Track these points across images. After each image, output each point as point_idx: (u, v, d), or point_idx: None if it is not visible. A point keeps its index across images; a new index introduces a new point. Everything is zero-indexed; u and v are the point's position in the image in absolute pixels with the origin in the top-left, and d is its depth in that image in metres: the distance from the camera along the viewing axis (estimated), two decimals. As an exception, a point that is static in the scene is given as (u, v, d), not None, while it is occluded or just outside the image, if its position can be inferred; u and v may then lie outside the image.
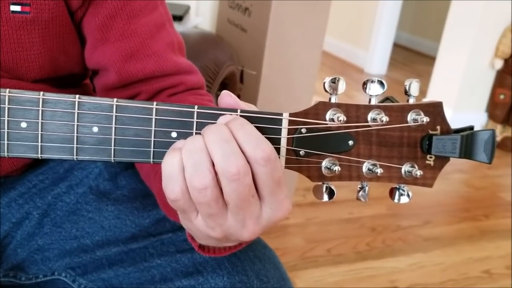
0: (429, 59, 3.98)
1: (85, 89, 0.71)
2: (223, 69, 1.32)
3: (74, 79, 0.66)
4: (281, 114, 0.40)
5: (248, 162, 0.37)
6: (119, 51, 0.59)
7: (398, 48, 4.61)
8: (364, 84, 0.41)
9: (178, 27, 1.50)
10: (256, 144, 0.37)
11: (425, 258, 1.70)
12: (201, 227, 0.40)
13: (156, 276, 0.58)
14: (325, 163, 0.41)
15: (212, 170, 0.37)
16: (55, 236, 0.62)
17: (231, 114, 0.39)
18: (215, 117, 0.39)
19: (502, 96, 2.77)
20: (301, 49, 1.52)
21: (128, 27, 0.59)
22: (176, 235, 0.60)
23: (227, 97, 0.41)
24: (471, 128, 0.41)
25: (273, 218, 0.40)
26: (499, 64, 2.76)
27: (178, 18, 1.61)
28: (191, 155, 0.37)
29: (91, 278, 0.61)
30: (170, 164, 0.38)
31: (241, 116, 0.40)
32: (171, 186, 0.38)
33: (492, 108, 2.83)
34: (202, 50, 1.30)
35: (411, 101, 0.42)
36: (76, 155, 0.39)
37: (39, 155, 0.39)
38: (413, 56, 4.69)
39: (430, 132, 0.43)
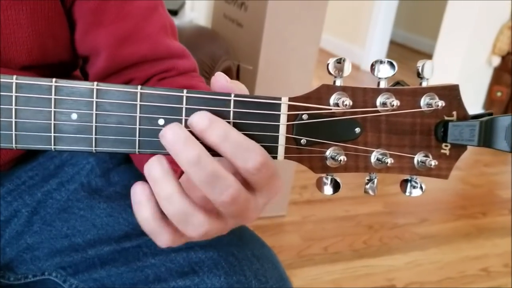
0: (426, 57, 3.97)
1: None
2: (219, 63, 1.29)
3: (63, 69, 0.64)
4: (279, 99, 0.37)
5: (240, 172, 0.35)
6: (113, 34, 0.57)
7: (395, 45, 4.60)
8: (372, 65, 0.38)
9: (173, 20, 1.48)
10: (246, 155, 0.35)
11: (422, 256, 1.69)
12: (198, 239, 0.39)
13: (150, 276, 0.56)
14: (329, 152, 0.38)
15: (205, 214, 0.35)
16: (45, 234, 0.60)
17: (207, 114, 0.36)
18: (206, 102, 0.36)
19: (499, 94, 2.76)
20: (298, 45, 1.50)
21: (122, 9, 0.57)
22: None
23: (221, 78, 0.38)
24: (490, 114, 0.38)
25: (268, 200, 0.38)
26: (496, 61, 2.75)
27: (173, 13, 1.58)
28: (174, 214, 0.35)
29: (83, 278, 0.59)
30: (143, 220, 0.36)
31: (235, 99, 0.37)
32: (159, 239, 0.37)
33: (489, 106, 2.82)
34: (197, 44, 1.28)
35: (424, 84, 0.39)
36: (54, 145, 0.36)
37: (14, 145, 0.36)
38: (409, 54, 4.68)
39: (446, 118, 0.39)
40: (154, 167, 0.35)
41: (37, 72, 0.58)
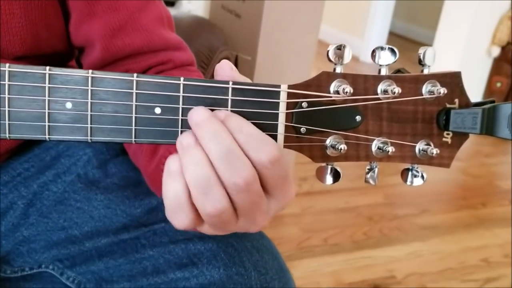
0: (425, 48, 3.95)
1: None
2: (217, 54, 1.28)
3: (58, 59, 0.63)
4: (278, 86, 0.36)
5: (254, 165, 0.35)
6: (107, 25, 0.56)
7: (394, 36, 4.58)
8: (373, 52, 0.37)
9: (170, 11, 1.47)
10: (260, 147, 0.34)
11: (422, 247, 1.69)
12: (207, 232, 0.38)
13: (148, 268, 0.55)
14: (329, 141, 0.38)
15: (224, 190, 0.35)
16: (41, 226, 0.59)
17: (222, 110, 0.36)
18: (204, 90, 0.36)
19: (498, 84, 2.75)
20: (296, 35, 1.48)
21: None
22: (170, 225, 0.57)
23: (225, 66, 0.37)
24: (492, 101, 0.37)
25: (279, 207, 0.38)
26: (496, 51, 2.74)
27: (170, 4, 1.57)
28: (198, 180, 0.34)
29: (80, 270, 0.58)
30: (173, 192, 0.35)
31: (233, 87, 0.36)
32: (180, 217, 0.36)
33: (489, 96, 2.81)
34: (195, 34, 1.27)
35: (426, 71, 0.38)
36: (49, 135, 0.35)
37: (7, 135, 0.35)
38: (408, 45, 4.66)
39: (448, 105, 0.39)
40: (185, 136, 0.35)
41: (31, 62, 0.57)
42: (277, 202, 0.37)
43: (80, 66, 0.65)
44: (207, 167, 0.34)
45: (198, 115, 0.35)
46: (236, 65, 1.53)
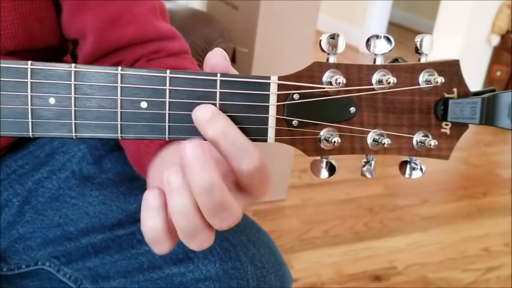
0: (424, 37, 3.92)
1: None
2: (213, 46, 1.27)
3: (53, 54, 0.62)
4: (268, 78, 0.35)
5: (234, 172, 0.34)
6: (100, 17, 0.55)
7: (394, 26, 4.56)
8: (368, 41, 0.36)
9: (166, 4, 1.45)
10: (241, 155, 0.34)
11: (423, 237, 1.68)
12: None
13: (144, 264, 0.55)
14: (322, 134, 0.36)
15: (210, 229, 0.35)
16: (37, 224, 0.59)
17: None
18: (191, 83, 0.34)
19: (498, 73, 2.74)
20: (294, 26, 1.47)
21: None
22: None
23: (218, 58, 0.35)
24: (493, 90, 0.36)
25: (255, 201, 0.37)
26: (495, 40, 2.72)
27: (167, -3, 1.56)
28: (183, 220, 0.34)
29: (76, 267, 0.58)
30: (152, 229, 0.35)
31: (221, 79, 0.35)
32: (160, 248, 0.36)
33: (489, 85, 2.80)
34: (191, 27, 1.26)
35: (423, 60, 0.37)
36: (32, 131, 0.34)
37: None
38: (408, 34, 4.64)
39: (446, 95, 0.37)
40: (174, 175, 0.34)
41: (24, 57, 0.57)
42: (250, 199, 0.37)
43: (75, 59, 0.64)
44: (195, 216, 0.34)
45: (193, 151, 0.33)
46: (234, 57, 1.52)
